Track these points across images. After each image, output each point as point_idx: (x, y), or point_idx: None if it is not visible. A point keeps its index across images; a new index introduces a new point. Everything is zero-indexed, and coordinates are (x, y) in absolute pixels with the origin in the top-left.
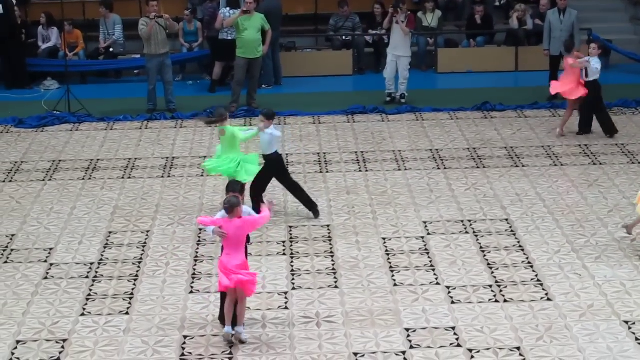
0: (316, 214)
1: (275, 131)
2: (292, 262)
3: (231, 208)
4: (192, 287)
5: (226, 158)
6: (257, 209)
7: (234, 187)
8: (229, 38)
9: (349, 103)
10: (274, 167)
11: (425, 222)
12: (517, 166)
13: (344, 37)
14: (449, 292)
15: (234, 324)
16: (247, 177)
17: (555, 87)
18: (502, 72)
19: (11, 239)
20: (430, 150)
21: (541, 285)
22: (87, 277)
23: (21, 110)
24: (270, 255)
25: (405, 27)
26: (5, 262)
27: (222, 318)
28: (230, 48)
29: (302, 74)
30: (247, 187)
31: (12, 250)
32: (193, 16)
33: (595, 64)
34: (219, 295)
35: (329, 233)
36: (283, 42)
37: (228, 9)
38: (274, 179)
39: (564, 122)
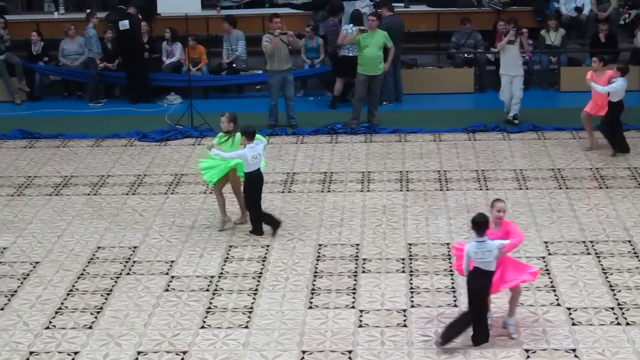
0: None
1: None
2: (411, 279)
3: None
4: (311, 303)
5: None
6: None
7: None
8: (351, 54)
9: (469, 121)
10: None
11: (546, 242)
12: None
13: (465, 55)
14: (570, 314)
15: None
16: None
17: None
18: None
19: (133, 251)
20: (552, 169)
21: None
22: (207, 290)
23: (144, 124)
24: (389, 273)
25: (527, 46)
26: (128, 273)
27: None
28: (352, 64)
29: (423, 91)
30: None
31: (134, 262)
32: (314, 32)
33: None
34: (337, 311)
35: (449, 251)
36: (404, 59)
37: (351, 25)
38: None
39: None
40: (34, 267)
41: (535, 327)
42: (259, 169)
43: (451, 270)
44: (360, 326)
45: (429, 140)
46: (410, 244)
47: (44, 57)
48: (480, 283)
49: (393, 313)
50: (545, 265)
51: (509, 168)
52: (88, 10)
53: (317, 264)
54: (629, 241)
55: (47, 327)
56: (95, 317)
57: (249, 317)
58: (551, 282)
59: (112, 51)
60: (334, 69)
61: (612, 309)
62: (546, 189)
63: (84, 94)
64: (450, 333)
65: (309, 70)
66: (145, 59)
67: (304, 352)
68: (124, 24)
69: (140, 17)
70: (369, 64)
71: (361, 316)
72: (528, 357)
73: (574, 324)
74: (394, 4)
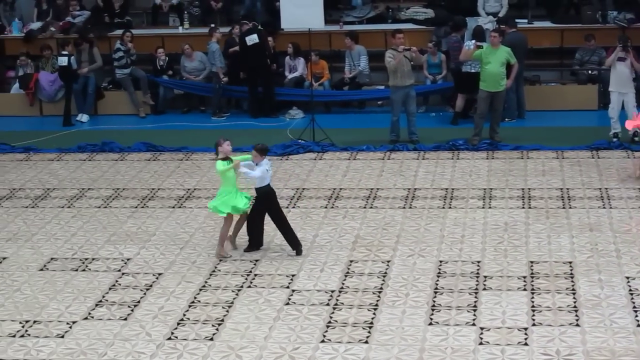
0: (299, 253)
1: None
2: (532, 297)
3: None
4: (431, 319)
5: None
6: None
7: None
8: (473, 71)
9: (593, 138)
10: (265, 200)
11: None
12: None
13: (589, 72)
14: None
15: None
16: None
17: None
18: None
19: (255, 264)
20: None
21: None
22: (327, 304)
23: (267, 138)
24: (510, 290)
25: (636, 62)
26: (249, 286)
27: None
28: (474, 81)
29: (545, 108)
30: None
31: (255, 275)
32: (437, 48)
33: None
34: (458, 328)
35: (571, 270)
36: (527, 76)
37: (473, 41)
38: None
39: None
40: (157, 278)
41: None
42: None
43: (573, 289)
44: (481, 344)
45: (551, 157)
46: (532, 262)
47: (168, 71)
48: None
49: (514, 331)
50: None
51: (632, 187)
52: (212, 25)
53: (438, 280)
54: None
55: (169, 338)
56: (217, 329)
57: (369, 332)
58: None
59: (239, 64)
60: (456, 85)
61: None
62: None
63: (206, 108)
64: None
65: (431, 86)
66: (273, 72)
67: None
68: (252, 39)
69: (265, 31)
70: (491, 80)
71: (482, 334)
72: None
73: None
74: (517, 20)
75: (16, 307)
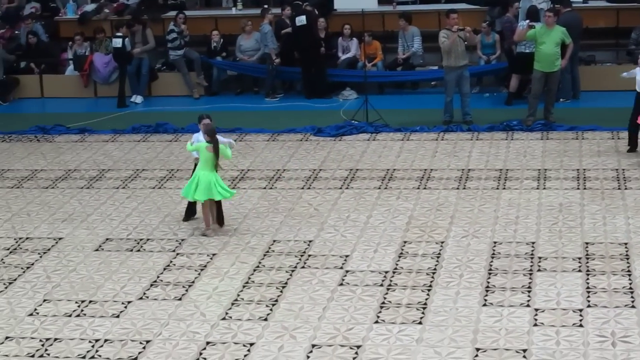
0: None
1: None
2: (587, 279)
3: None
4: (485, 300)
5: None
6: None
7: None
8: (527, 51)
9: None
10: None
11: None
12: None
13: None
14: None
15: None
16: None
17: None
18: None
19: (308, 245)
20: None
21: None
22: (381, 285)
23: (320, 119)
24: (565, 272)
25: None
26: (303, 267)
27: None
28: (528, 61)
29: (601, 88)
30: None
31: (309, 255)
32: (491, 28)
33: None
34: (512, 309)
35: (627, 251)
36: (582, 56)
37: (527, 21)
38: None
39: None
40: (211, 258)
41: None
42: None
43: (629, 270)
44: (535, 325)
45: (607, 138)
46: (587, 243)
47: (222, 53)
48: None
49: (569, 312)
50: None
51: None
52: (265, 6)
53: (492, 261)
54: None
55: (224, 318)
56: (271, 310)
57: (422, 313)
58: None
59: (289, 46)
60: (510, 65)
61: None
62: None
63: (259, 89)
64: None
65: (484, 66)
66: (322, 54)
67: (477, 349)
68: (301, 20)
69: (317, 12)
70: (546, 61)
71: (536, 315)
72: None
73: None
74: (572, 0)
75: (72, 287)
